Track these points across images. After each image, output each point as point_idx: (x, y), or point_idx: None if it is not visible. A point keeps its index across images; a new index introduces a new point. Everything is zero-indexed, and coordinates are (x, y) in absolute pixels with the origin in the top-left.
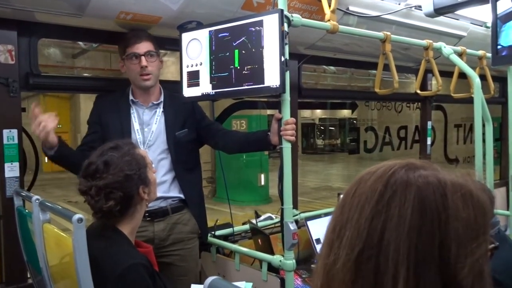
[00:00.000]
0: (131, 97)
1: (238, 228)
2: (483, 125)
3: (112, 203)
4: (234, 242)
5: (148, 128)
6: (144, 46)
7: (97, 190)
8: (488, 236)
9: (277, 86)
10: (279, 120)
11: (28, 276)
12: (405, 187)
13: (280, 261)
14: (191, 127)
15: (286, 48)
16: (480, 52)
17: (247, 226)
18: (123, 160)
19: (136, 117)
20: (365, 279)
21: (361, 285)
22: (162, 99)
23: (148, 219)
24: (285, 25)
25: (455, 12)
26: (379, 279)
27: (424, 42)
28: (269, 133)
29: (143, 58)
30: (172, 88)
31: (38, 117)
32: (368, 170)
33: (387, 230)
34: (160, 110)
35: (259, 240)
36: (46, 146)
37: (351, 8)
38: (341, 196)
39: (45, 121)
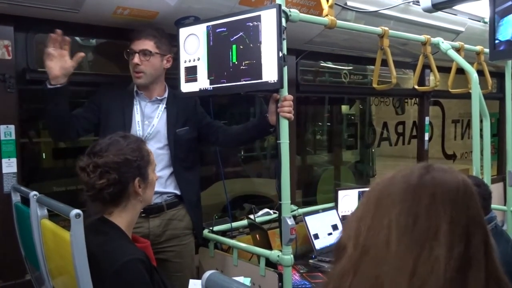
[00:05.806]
0: (135, 88)
1: (236, 223)
2: (481, 121)
3: (105, 182)
4: (232, 237)
5: (149, 121)
6: (141, 44)
7: (94, 166)
8: None
9: (275, 81)
10: (277, 101)
11: (26, 271)
12: (470, 187)
13: (278, 256)
14: (192, 126)
15: (284, 43)
16: (478, 48)
17: (245, 222)
18: (128, 146)
19: (139, 109)
20: (459, 276)
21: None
22: (166, 95)
23: (143, 215)
24: (283, 20)
25: (453, 7)
26: (466, 270)
27: (422, 37)
28: (267, 114)
29: (136, 55)
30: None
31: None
32: (431, 175)
33: (471, 227)
34: (163, 105)
35: (257, 236)
36: (52, 77)
37: (349, 3)
38: (405, 203)
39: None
